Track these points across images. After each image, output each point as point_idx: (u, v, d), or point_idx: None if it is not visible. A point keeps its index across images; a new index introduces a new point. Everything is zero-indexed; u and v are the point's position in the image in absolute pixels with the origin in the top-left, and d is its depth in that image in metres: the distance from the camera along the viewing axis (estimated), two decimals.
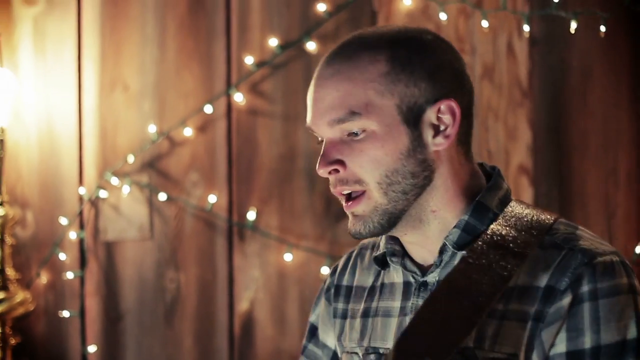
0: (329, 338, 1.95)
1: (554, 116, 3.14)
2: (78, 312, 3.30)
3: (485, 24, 3.05)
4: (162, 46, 3.32)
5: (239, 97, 3.25)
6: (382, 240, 1.82)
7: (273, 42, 3.23)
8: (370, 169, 1.67)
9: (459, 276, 1.66)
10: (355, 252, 1.95)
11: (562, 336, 1.63)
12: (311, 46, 3.21)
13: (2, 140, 3.14)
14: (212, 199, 3.25)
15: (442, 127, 1.68)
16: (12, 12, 3.36)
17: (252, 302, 3.27)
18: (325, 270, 3.18)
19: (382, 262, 1.82)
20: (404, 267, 1.77)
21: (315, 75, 1.72)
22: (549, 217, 1.72)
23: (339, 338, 1.90)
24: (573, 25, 3.03)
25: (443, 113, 1.68)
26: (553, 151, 3.13)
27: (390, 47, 1.68)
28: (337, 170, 1.68)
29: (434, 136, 1.68)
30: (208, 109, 3.25)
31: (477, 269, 1.65)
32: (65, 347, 3.34)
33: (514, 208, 1.73)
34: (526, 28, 3.07)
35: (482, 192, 1.73)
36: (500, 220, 1.71)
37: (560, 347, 1.63)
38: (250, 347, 3.27)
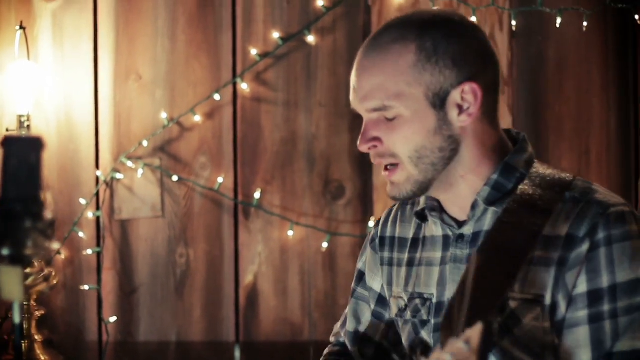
0: (374, 282, 2.22)
1: (532, 102, 3.38)
2: (96, 286, 3.51)
3: (473, 18, 3.28)
4: (173, 38, 3.54)
5: (244, 86, 3.48)
6: (422, 197, 2.07)
7: (275, 34, 3.48)
8: (402, 145, 1.95)
9: (496, 235, 1.87)
10: (396, 207, 2.22)
11: (583, 278, 1.87)
12: (310, 38, 3.47)
13: (28, 126, 3.37)
14: (219, 180, 3.49)
15: (465, 106, 1.95)
16: (32, 7, 3.55)
17: (256, 275, 3.51)
18: (325, 245, 3.45)
19: (422, 216, 2.10)
20: (442, 221, 2.04)
21: (355, 62, 1.99)
22: (568, 175, 1.99)
23: (389, 283, 2.18)
24: (558, 21, 3.28)
25: (466, 93, 1.94)
26: (531, 134, 3.13)
27: (417, 38, 1.94)
28: (375, 146, 1.98)
29: (459, 114, 1.95)
30: (215, 96, 3.48)
31: (511, 227, 1.87)
32: (83, 319, 3.55)
33: (538, 168, 1.99)
34: (513, 23, 3.31)
35: (510, 154, 1.99)
36: (527, 181, 1.95)
37: (582, 287, 1.87)
38: (254, 317, 3.51)
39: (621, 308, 1.86)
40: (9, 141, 1.26)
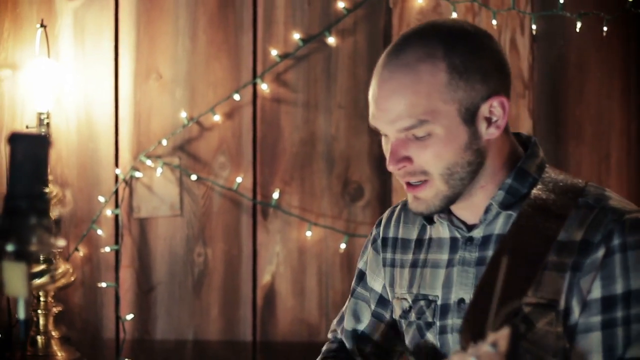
0: (376, 283, 2.23)
1: (553, 106, 3.38)
2: (114, 284, 3.53)
3: (494, 22, 3.29)
4: (194, 38, 3.54)
5: (264, 86, 3.50)
6: None
7: (296, 36, 3.49)
8: (434, 163, 1.95)
9: (513, 239, 1.90)
10: (399, 207, 2.22)
11: (597, 284, 1.88)
12: (331, 40, 3.48)
13: (48, 124, 3.35)
14: (238, 179, 3.49)
15: (494, 119, 1.96)
16: (53, 5, 3.55)
17: (274, 275, 3.52)
18: (343, 246, 3.45)
19: (429, 218, 2.09)
20: (451, 222, 2.04)
21: (376, 81, 1.96)
22: (580, 181, 2.00)
23: (391, 284, 2.18)
24: (578, 25, 3.26)
25: (495, 107, 1.95)
26: (551, 138, 3.35)
27: (445, 56, 1.93)
28: (405, 166, 1.96)
29: (487, 127, 1.95)
30: (235, 96, 3.49)
31: (527, 232, 1.90)
32: (101, 316, 3.56)
33: (550, 173, 2.01)
34: (533, 27, 3.30)
35: (522, 159, 2.00)
36: (540, 185, 1.97)
37: (596, 293, 1.88)
38: (271, 317, 3.52)
39: (634, 315, 1.87)
40: (15, 138, 1.25)
